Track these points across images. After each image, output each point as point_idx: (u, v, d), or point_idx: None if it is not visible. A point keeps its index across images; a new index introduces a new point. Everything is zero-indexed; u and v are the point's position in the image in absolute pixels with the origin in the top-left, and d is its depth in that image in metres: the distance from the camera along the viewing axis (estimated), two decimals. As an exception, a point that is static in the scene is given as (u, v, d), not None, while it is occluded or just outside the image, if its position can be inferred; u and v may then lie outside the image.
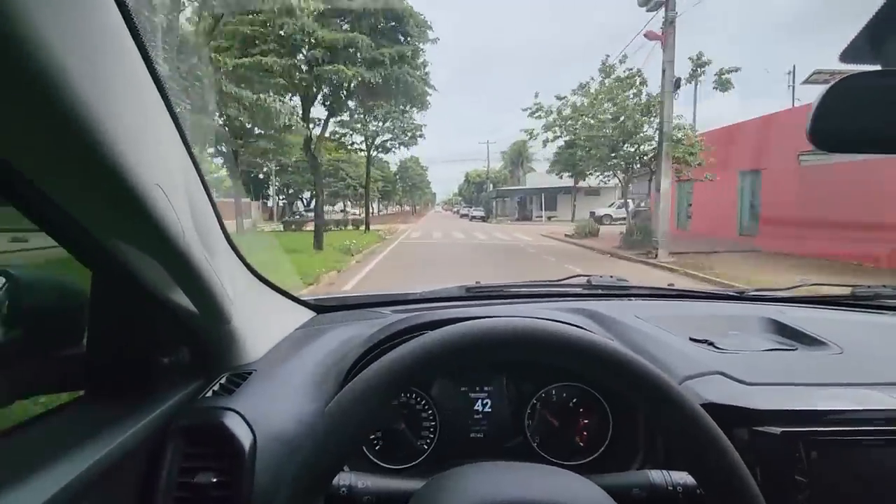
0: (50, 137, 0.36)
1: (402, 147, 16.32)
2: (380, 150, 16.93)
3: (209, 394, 0.70)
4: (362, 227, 18.53)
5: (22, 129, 0.36)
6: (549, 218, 32.14)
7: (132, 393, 0.64)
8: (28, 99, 0.33)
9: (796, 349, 0.87)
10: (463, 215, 44.58)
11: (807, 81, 8.31)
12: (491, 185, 43.12)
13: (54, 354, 0.66)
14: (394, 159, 52.49)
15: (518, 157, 50.66)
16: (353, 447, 0.45)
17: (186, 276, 0.57)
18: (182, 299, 0.62)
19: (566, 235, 16.46)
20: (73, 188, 0.43)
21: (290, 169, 37.43)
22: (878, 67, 0.40)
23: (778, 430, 0.63)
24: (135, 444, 0.57)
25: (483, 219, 37.41)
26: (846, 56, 0.40)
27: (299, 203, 40.38)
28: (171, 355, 0.70)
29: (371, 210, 54.06)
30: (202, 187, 0.62)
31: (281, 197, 40.00)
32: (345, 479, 0.58)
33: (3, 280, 0.67)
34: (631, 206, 28.55)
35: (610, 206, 30.45)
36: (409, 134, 16.05)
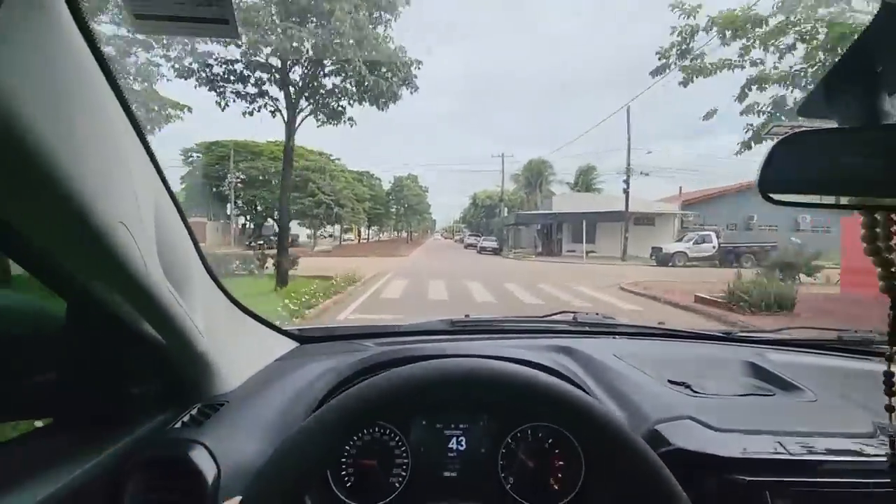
0: (9, 176, 0.35)
1: (364, 102, 7.23)
2: (322, 113, 7.76)
3: (178, 425, 0.68)
4: (302, 270, 9.13)
5: None
6: (588, 253, 23.14)
7: (100, 422, 0.64)
8: None
9: (773, 395, 0.87)
10: (469, 245, 35.34)
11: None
12: (505, 209, 34.20)
13: (26, 381, 0.64)
14: (386, 176, 43.74)
15: (536, 178, 42.14)
16: (301, 487, 0.47)
17: (150, 310, 0.56)
18: (150, 330, 0.62)
19: (702, 300, 7.93)
20: (36, 226, 0.42)
21: (259, 179, 29.24)
22: (834, 123, 0.42)
23: (745, 478, 0.63)
24: (96, 474, 0.57)
25: (495, 251, 28.41)
26: (803, 111, 0.42)
27: (273, 223, 32.04)
28: (142, 385, 0.69)
29: (361, 236, 45.28)
30: (177, 215, 0.63)
31: (248, 217, 31.42)
32: None
33: None
34: (715, 241, 19.98)
35: (681, 239, 21.49)
36: (386, 76, 6.97)
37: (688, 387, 0.86)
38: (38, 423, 0.67)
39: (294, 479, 0.44)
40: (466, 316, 1.26)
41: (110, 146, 0.43)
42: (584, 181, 38.40)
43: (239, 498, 0.45)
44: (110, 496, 0.58)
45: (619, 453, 0.47)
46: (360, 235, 43.99)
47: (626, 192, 22.50)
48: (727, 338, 1.21)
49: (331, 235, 41.26)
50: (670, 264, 18.97)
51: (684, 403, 0.78)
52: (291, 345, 1.06)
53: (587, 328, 1.23)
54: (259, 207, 30.97)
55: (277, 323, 1.05)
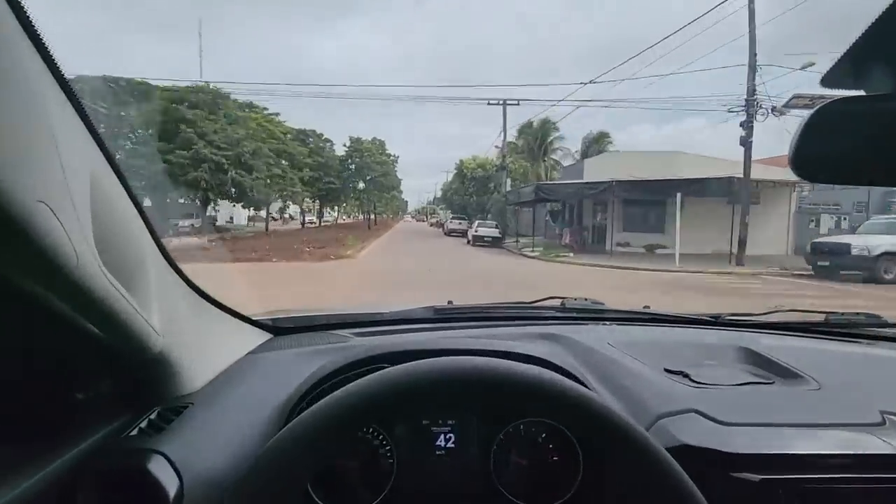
0: None
1: None
2: None
3: (134, 432, 0.66)
4: None
5: None
6: (655, 249, 13.11)
7: (43, 431, 0.61)
8: None
9: (773, 383, 0.89)
10: (452, 232, 25.13)
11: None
12: (508, 182, 23.73)
13: None
14: (340, 138, 32.18)
15: (539, 144, 31.65)
16: (288, 495, 0.45)
17: (87, 308, 0.52)
18: (95, 329, 0.58)
19: None
20: None
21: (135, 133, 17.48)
22: (862, 92, 0.40)
23: (757, 476, 0.63)
24: (39, 491, 0.54)
25: (496, 241, 21.33)
26: (828, 81, 0.40)
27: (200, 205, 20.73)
28: (91, 388, 0.66)
29: (314, 217, 33.87)
30: (123, 192, 0.58)
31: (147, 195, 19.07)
32: None
33: None
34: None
35: (855, 228, 11.59)
36: None
37: (686, 376, 0.88)
38: None
39: (272, 496, 0.43)
40: (450, 302, 1.31)
41: (25, 106, 0.37)
42: (596, 151, 28.12)
43: None
44: None
45: (624, 450, 0.47)
46: (304, 216, 32.62)
47: (746, 142, 12.39)
48: (716, 322, 1.25)
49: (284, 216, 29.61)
50: (847, 274, 10.49)
51: (686, 395, 0.80)
52: (264, 336, 1.04)
53: (576, 314, 1.27)
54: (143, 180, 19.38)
55: (248, 312, 1.04)
